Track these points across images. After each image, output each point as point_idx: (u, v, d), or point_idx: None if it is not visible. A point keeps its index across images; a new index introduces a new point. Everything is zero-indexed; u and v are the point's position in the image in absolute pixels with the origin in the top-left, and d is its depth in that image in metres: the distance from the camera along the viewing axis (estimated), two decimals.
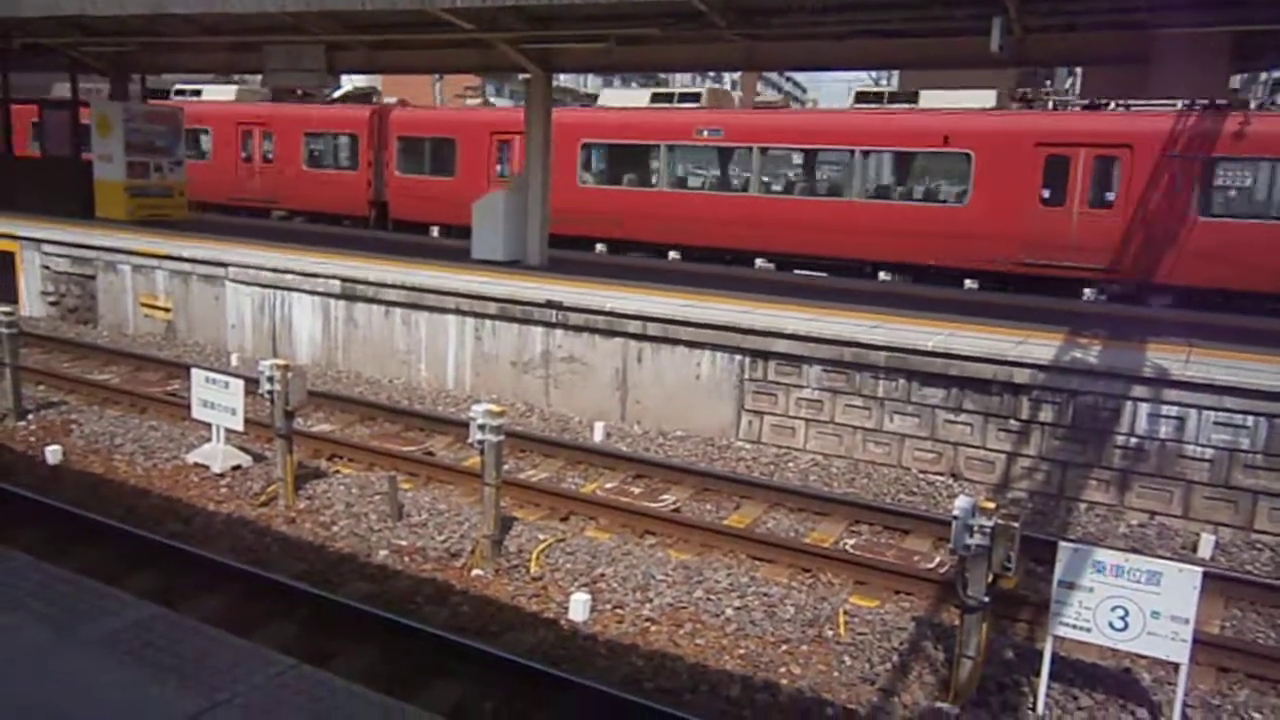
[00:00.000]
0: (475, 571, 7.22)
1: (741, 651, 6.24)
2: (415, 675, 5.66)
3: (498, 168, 22.68)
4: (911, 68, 13.44)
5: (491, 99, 35.51)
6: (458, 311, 12.27)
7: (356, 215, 24.74)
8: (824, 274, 17.89)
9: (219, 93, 28.09)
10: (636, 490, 9.20)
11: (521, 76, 15.55)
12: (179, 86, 27.89)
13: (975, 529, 5.48)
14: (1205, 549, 8.21)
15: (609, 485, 9.31)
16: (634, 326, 11.11)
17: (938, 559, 7.85)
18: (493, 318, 12.04)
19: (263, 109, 26.71)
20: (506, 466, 8.43)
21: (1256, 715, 5.75)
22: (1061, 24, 10.82)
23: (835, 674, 6.03)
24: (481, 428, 7.12)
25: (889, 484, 9.58)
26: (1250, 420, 8.39)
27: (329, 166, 25.68)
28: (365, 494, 8.55)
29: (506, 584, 7.06)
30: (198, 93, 27.72)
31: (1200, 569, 5.41)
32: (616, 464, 9.79)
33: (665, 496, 9.03)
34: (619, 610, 6.70)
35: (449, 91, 36.40)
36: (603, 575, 7.14)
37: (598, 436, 10.78)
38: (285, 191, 25.80)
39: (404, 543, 7.68)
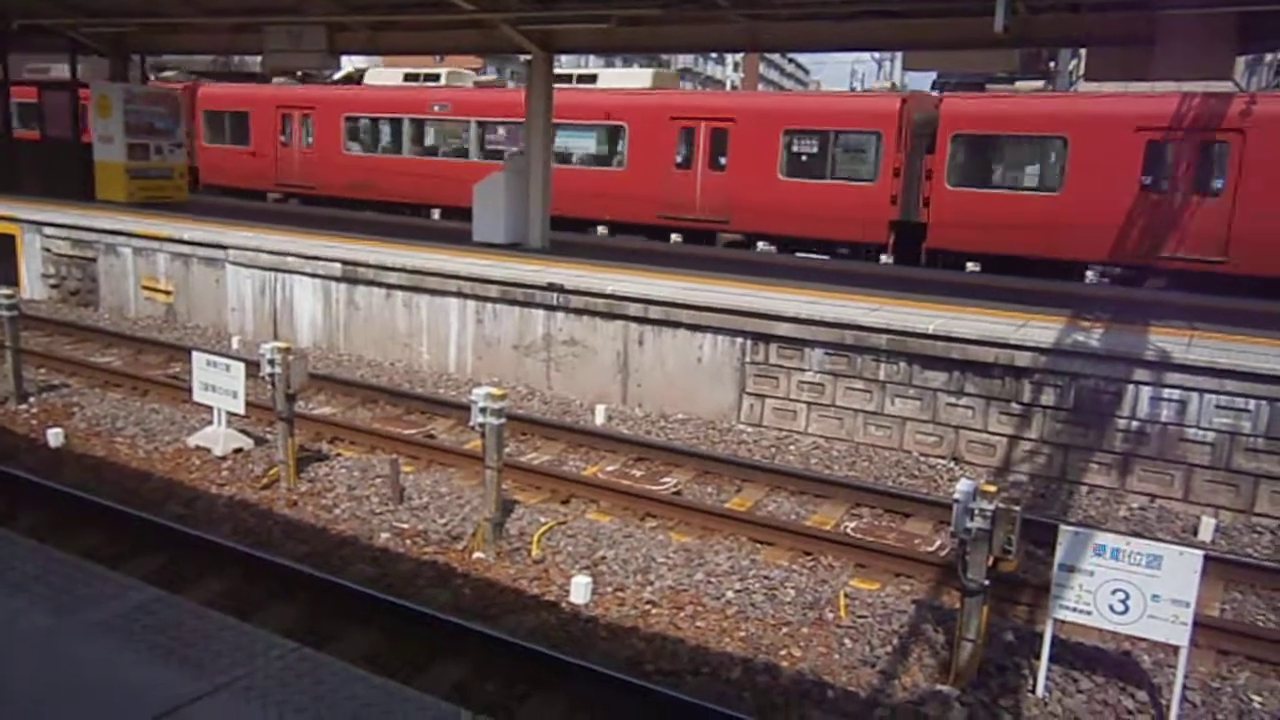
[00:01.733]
0: (477, 554, 7.24)
1: (742, 634, 6.25)
2: (417, 657, 5.68)
3: (1144, 178, 16.07)
4: (915, 49, 13.33)
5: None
6: (459, 294, 12.25)
7: (865, 241, 18.38)
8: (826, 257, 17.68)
9: (626, 77, 23.23)
10: (638, 473, 9.21)
11: (523, 58, 15.47)
12: (563, 71, 23.16)
13: (976, 512, 5.48)
14: (1206, 532, 8.22)
15: (610, 468, 9.32)
16: (635, 309, 11.09)
17: (938, 542, 7.86)
18: (494, 300, 12.02)
19: (714, 99, 20.84)
20: (508, 449, 8.44)
21: (1256, 698, 5.76)
22: (1066, 4, 10.75)
23: (836, 656, 6.05)
24: (483, 411, 7.12)
25: (890, 467, 9.58)
26: (1251, 404, 8.38)
27: (825, 176, 18.87)
28: (367, 477, 8.56)
29: (508, 567, 7.08)
30: (592, 78, 23.30)
31: (1201, 552, 5.42)
32: (618, 447, 9.79)
33: (666, 479, 9.04)
34: (620, 593, 6.72)
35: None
36: (604, 558, 7.16)
37: (599, 419, 10.78)
38: (744, 207, 19.29)
39: (406, 525, 7.69)
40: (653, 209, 20.21)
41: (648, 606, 6.57)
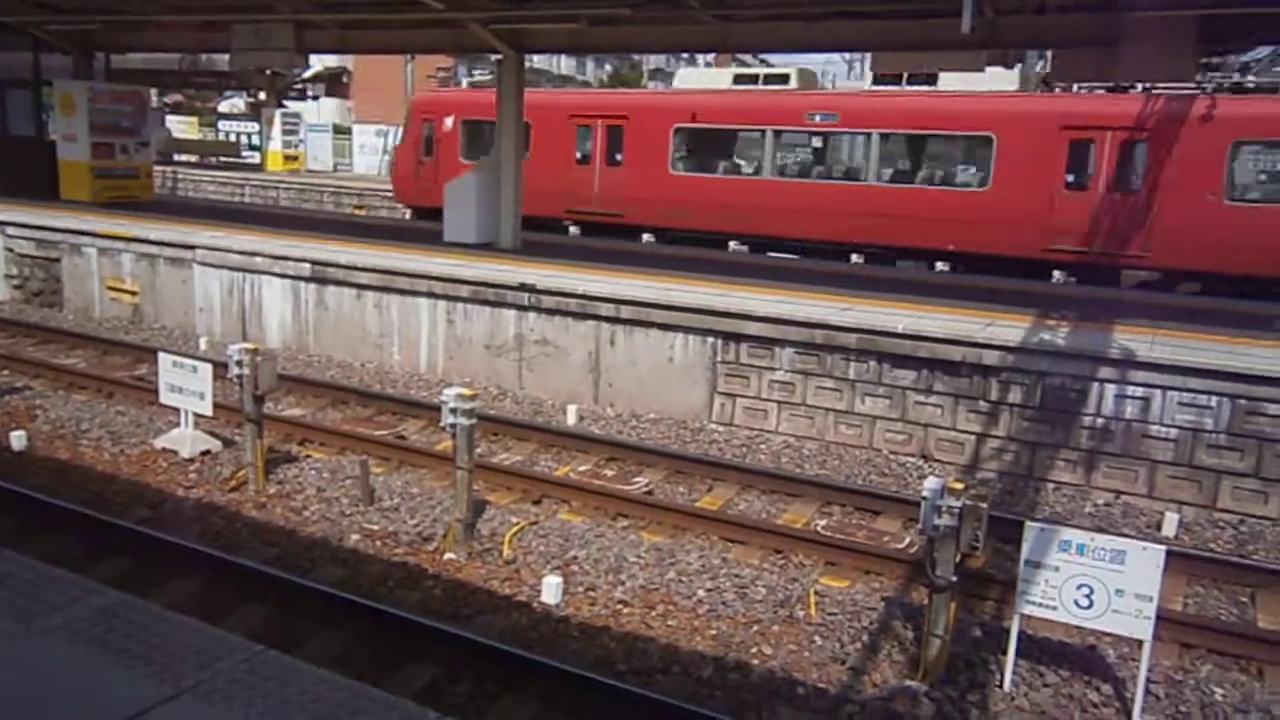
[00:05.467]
0: (448, 555, 7.21)
1: (713, 632, 6.28)
2: (387, 659, 5.66)
3: None
4: (884, 49, 13.45)
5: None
6: (430, 294, 12.20)
7: None
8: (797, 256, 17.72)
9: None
10: (609, 473, 9.21)
11: (494, 58, 15.41)
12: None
13: (944, 509, 5.53)
14: (1169, 527, 8.35)
15: (582, 468, 9.31)
16: (607, 309, 11.10)
17: (907, 539, 7.91)
18: (465, 300, 11.97)
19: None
20: (479, 450, 8.41)
21: (1218, 690, 5.85)
22: (1033, 5, 10.86)
23: (806, 654, 6.08)
24: (453, 411, 7.10)
25: (860, 465, 9.65)
26: (1213, 400, 8.51)
27: None
28: (337, 478, 8.51)
29: (479, 567, 7.06)
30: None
31: (1164, 547, 5.49)
32: (590, 447, 9.79)
33: (638, 479, 9.05)
34: (591, 593, 6.72)
35: (420, 73, 36.14)
36: (575, 558, 7.16)
37: (571, 419, 10.77)
38: None
39: (376, 527, 7.65)
40: None
41: (619, 606, 6.57)
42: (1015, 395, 9.27)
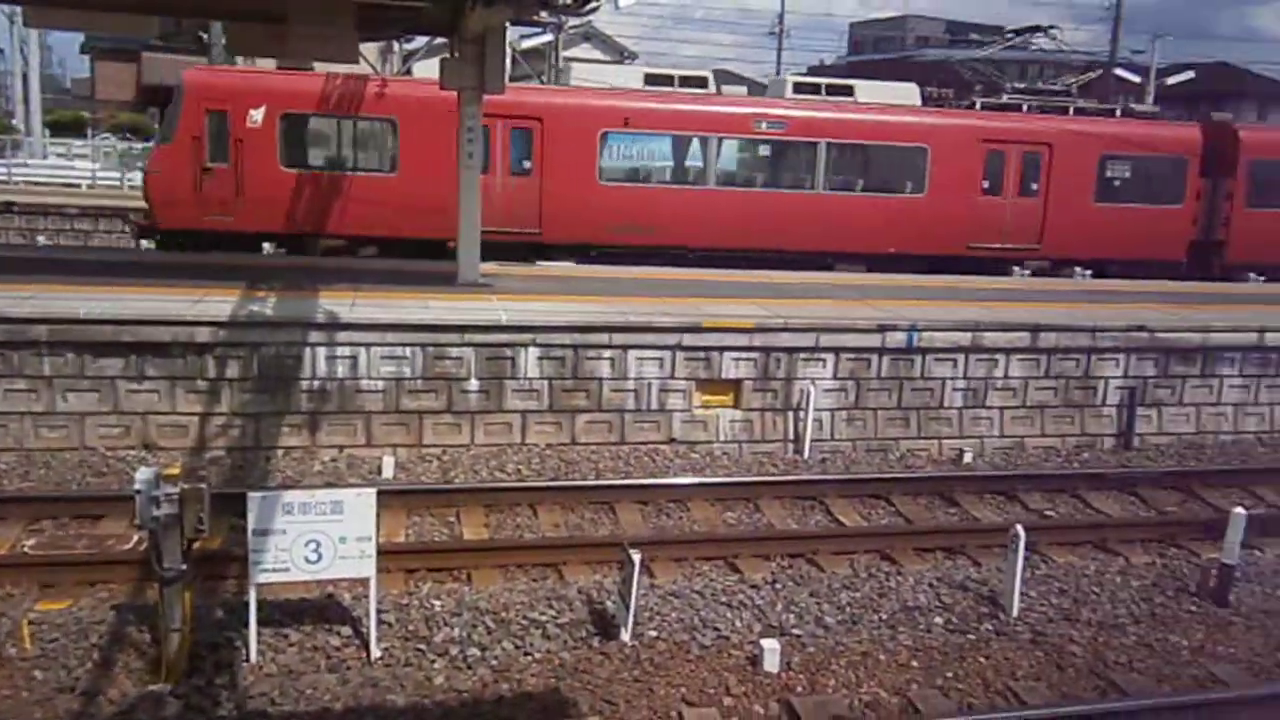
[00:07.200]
0: None
1: None
2: None
3: None
4: (42, 4, 11.94)
5: None
6: None
7: None
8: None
9: None
10: None
11: None
12: None
13: (162, 499, 5.34)
14: (388, 469, 9.23)
15: None
16: None
17: (135, 538, 7.43)
18: None
19: None
20: None
21: (437, 602, 6.70)
22: None
23: (25, 694, 5.39)
24: None
25: (73, 469, 8.76)
26: (409, 351, 9.58)
27: None
28: None
29: None
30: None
31: (374, 489, 6.08)
32: None
33: None
34: None
35: None
36: None
37: None
38: None
39: None
40: None
41: None
42: (233, 370, 9.26)
